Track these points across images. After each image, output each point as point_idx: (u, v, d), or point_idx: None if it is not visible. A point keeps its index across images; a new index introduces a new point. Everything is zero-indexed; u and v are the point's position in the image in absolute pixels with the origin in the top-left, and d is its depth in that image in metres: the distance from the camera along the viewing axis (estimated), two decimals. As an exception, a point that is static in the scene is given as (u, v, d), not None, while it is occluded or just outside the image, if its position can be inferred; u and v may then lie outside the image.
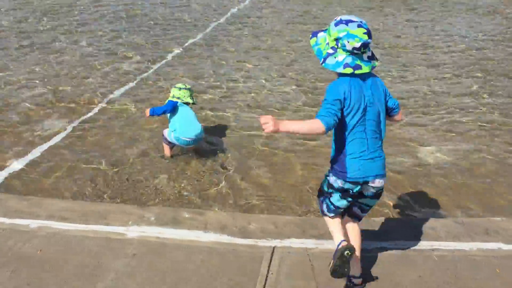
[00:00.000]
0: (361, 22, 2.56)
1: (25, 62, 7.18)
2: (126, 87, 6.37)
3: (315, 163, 4.60)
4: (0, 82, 6.45)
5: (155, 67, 7.08)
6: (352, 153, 2.62)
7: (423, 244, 3.29)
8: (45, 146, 4.89)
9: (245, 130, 5.29)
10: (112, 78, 6.66)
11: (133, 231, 3.42)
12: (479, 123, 5.52)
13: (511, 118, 5.66)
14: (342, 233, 2.76)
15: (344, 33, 2.52)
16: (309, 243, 3.30)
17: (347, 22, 2.55)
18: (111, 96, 6.08)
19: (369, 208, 2.85)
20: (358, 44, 2.51)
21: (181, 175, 4.42)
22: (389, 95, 2.75)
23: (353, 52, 2.55)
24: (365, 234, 3.39)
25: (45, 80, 6.54)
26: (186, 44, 8.18)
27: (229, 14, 10.39)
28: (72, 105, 5.83)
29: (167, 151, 4.68)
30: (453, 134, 5.26)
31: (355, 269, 2.86)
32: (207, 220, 3.58)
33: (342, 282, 2.87)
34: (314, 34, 2.71)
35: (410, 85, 6.60)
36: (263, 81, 6.69)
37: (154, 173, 4.42)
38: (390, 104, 2.75)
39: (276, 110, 5.73)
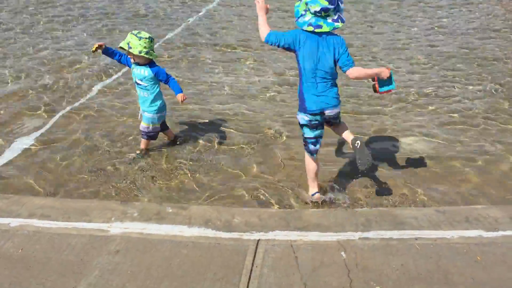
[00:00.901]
0: None
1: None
2: (106, 81, 6.30)
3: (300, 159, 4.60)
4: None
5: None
6: (307, 92, 3.51)
7: (405, 234, 3.33)
8: (22, 143, 4.81)
9: (228, 120, 5.27)
10: (88, 74, 6.56)
11: (116, 228, 3.40)
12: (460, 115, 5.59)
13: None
14: (314, 174, 3.81)
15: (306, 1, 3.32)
16: (293, 235, 3.32)
17: None
18: (90, 92, 5.99)
19: (336, 119, 3.69)
20: (318, 8, 3.27)
21: (160, 169, 4.39)
22: (343, 53, 3.40)
23: (316, 14, 3.31)
24: (347, 225, 3.43)
25: (20, 77, 6.42)
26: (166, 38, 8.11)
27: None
28: (48, 100, 5.73)
29: (143, 144, 4.56)
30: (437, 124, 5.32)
31: (316, 186, 3.83)
32: (191, 214, 3.57)
33: (326, 271, 2.90)
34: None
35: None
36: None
37: (134, 168, 4.38)
38: (340, 61, 3.42)
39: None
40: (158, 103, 4.38)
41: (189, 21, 9.14)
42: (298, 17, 3.40)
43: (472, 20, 9.24)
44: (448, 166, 4.47)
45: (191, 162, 4.47)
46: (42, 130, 5.05)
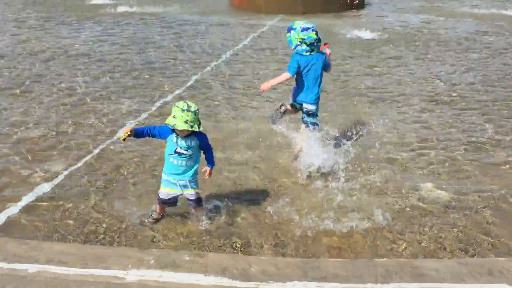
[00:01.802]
0: (313, 27, 4.97)
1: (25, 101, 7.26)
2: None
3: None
4: (3, 121, 6.49)
5: (154, 107, 7.13)
6: (298, 90, 5.16)
7: (426, 286, 3.25)
8: (43, 188, 4.87)
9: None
10: (110, 120, 6.68)
11: (133, 275, 3.39)
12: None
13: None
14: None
15: (306, 36, 4.93)
16: (311, 286, 3.27)
17: (307, 29, 4.93)
18: (110, 139, 6.08)
19: (309, 122, 5.18)
20: (312, 41, 4.95)
21: (177, 213, 4.39)
22: (327, 65, 5.20)
23: (308, 44, 4.97)
24: (367, 276, 3.37)
25: (46, 121, 6.58)
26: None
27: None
28: (71, 146, 5.84)
29: (158, 210, 4.30)
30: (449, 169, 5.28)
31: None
32: (208, 262, 3.55)
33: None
34: (289, 30, 5.06)
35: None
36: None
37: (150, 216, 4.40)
38: (325, 67, 5.18)
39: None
40: (196, 167, 4.12)
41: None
42: (296, 46, 5.03)
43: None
44: (470, 214, 4.40)
45: (209, 208, 4.48)
46: (62, 176, 5.12)
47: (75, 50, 10.34)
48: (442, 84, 8.27)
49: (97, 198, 4.69)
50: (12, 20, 13.89)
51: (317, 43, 4.98)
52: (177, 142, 3.98)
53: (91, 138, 6.05)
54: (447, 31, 12.46)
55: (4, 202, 4.61)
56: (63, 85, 8.06)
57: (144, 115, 6.78)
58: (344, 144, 5.14)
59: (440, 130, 6.37)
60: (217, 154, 5.03)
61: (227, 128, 6.38)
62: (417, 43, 11.12)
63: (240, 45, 10.78)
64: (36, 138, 6.03)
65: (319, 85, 5.11)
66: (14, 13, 15.03)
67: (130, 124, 6.43)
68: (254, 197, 4.74)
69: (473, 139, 6.09)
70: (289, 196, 4.72)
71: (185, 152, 3.99)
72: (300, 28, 4.92)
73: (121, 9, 15.79)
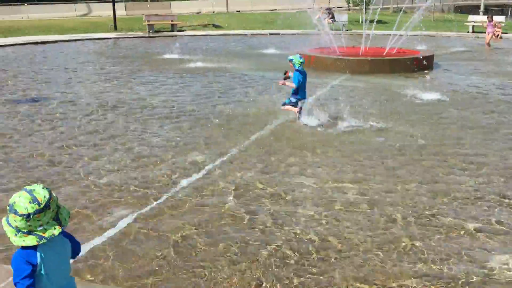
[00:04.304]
0: (299, 56, 9.25)
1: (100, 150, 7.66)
2: (192, 178, 6.57)
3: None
4: (79, 168, 6.85)
5: (220, 159, 7.29)
6: (299, 92, 9.16)
7: None
8: (110, 232, 5.05)
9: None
10: (176, 168, 6.89)
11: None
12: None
13: None
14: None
15: (302, 61, 9.07)
16: None
17: (301, 57, 9.16)
18: (175, 187, 6.26)
19: (303, 108, 9.32)
20: (302, 64, 9.11)
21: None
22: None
23: (303, 65, 9.12)
24: None
25: (114, 167, 6.89)
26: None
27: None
28: (138, 194, 6.05)
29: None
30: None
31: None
32: None
33: None
34: (291, 60, 9.14)
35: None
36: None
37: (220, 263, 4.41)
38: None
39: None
40: None
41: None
42: (298, 67, 9.04)
43: None
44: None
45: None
46: (129, 219, 5.29)
47: (150, 100, 10.89)
48: None
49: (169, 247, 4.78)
50: (96, 73, 14.92)
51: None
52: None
53: (154, 188, 6.24)
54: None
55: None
56: (135, 131, 8.47)
57: (209, 166, 6.93)
58: None
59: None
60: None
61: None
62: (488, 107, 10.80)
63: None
64: (104, 185, 6.31)
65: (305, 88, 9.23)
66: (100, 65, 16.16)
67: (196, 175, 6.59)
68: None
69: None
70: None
71: None
72: (299, 57, 9.09)
73: (193, 64, 16.69)
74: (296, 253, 4.65)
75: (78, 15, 38.44)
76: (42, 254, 2.51)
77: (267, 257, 4.58)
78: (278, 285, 4.16)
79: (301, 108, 9.19)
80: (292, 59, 9.06)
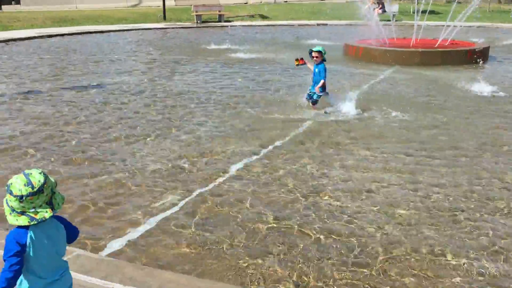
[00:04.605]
0: (317, 47, 8.97)
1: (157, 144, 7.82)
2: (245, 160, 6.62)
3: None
4: (138, 158, 7.02)
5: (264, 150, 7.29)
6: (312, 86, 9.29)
7: None
8: (160, 216, 5.15)
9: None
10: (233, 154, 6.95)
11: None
12: None
13: None
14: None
15: (324, 51, 8.96)
16: None
17: (323, 48, 8.97)
18: (227, 173, 6.31)
19: (312, 99, 9.30)
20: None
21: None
22: None
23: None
24: None
25: (169, 154, 7.01)
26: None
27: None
28: (188, 180, 6.13)
29: None
30: None
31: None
32: None
33: None
34: (319, 50, 8.86)
35: None
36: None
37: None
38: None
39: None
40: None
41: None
42: (310, 54, 8.97)
43: None
44: None
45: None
46: (177, 208, 5.37)
47: (197, 89, 11.02)
48: None
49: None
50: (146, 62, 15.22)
51: None
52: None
53: (202, 177, 6.31)
54: None
55: (124, 227, 4.94)
56: (186, 124, 8.59)
57: (252, 157, 6.94)
58: None
59: None
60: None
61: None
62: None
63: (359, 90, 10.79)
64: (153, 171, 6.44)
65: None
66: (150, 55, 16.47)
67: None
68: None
69: None
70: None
71: None
72: (323, 48, 8.89)
73: (240, 54, 16.75)
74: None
75: (129, 5, 39.27)
76: (32, 236, 2.61)
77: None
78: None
79: (316, 102, 9.26)
80: (321, 50, 8.77)
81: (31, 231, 2.61)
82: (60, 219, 2.80)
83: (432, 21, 24.05)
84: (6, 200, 2.62)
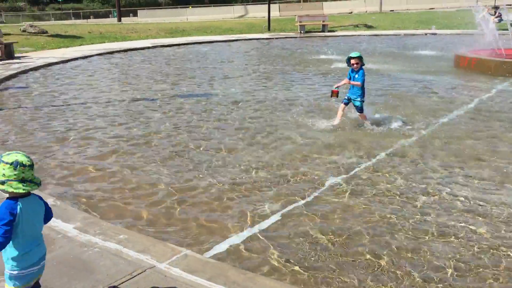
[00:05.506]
0: (354, 53, 8.46)
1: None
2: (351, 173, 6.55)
3: None
4: (237, 165, 7.23)
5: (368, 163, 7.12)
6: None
7: None
8: (261, 225, 5.23)
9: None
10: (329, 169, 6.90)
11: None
12: None
13: None
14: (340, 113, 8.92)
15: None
16: None
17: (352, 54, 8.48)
18: (325, 185, 6.27)
19: (356, 107, 8.75)
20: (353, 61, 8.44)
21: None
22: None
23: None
24: None
25: (266, 163, 7.12)
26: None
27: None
28: (288, 191, 6.17)
29: None
30: None
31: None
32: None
33: None
34: (358, 56, 8.42)
35: None
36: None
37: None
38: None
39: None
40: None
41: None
42: (348, 62, 8.50)
43: None
44: None
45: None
46: (277, 217, 5.43)
47: (302, 99, 11.09)
48: None
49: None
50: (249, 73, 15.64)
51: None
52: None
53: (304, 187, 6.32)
54: None
55: (227, 232, 5.10)
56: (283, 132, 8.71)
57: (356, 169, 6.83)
58: None
59: None
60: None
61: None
62: None
63: (464, 108, 10.19)
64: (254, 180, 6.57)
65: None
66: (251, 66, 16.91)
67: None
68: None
69: None
70: None
71: None
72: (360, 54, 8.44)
73: (343, 64, 16.51)
74: None
75: (236, 16, 40.66)
76: (21, 207, 2.92)
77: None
78: None
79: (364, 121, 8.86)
80: (360, 56, 8.37)
81: (20, 203, 2.92)
82: (40, 198, 3.12)
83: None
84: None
